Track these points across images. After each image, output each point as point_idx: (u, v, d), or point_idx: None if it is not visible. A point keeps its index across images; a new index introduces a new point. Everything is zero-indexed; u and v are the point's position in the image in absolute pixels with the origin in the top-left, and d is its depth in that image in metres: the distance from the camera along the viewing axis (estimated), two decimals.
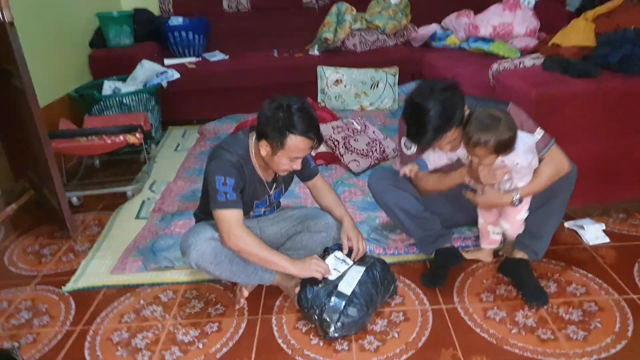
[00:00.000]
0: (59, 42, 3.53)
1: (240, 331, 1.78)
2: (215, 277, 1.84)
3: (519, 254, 1.92)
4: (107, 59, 3.91)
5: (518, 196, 1.75)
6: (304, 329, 1.77)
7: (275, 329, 1.78)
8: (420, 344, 1.66)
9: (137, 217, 2.63)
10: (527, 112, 1.77)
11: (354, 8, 4.01)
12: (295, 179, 2.02)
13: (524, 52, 3.10)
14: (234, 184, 1.71)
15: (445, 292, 1.89)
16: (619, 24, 2.23)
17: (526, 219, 1.88)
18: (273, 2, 4.40)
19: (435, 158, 1.83)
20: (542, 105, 1.98)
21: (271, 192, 1.92)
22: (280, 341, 1.72)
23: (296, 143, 1.65)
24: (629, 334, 1.63)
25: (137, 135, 2.83)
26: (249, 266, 1.81)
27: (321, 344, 1.69)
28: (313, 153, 2.02)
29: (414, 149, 1.93)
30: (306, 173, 1.97)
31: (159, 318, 1.88)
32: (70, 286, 2.09)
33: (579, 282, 1.89)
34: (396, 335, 1.71)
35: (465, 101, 1.67)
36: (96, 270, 2.19)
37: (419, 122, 1.61)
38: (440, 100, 1.58)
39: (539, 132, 1.73)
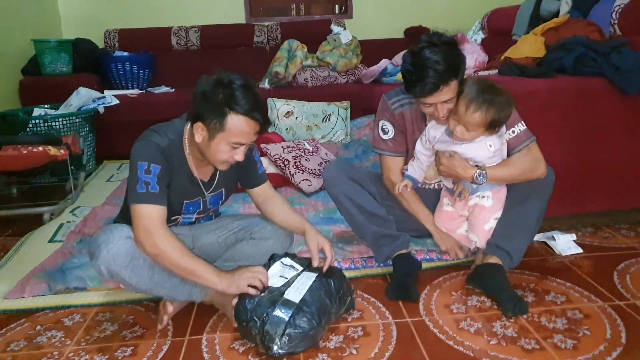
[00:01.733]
0: None
1: (161, 354, 1.42)
2: (132, 288, 1.49)
3: (492, 259, 1.70)
4: (40, 87, 3.62)
5: (484, 173, 1.59)
6: (242, 349, 1.43)
7: (205, 350, 1.43)
8: None
9: (52, 240, 2.24)
10: None
11: (304, 45, 3.98)
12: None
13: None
14: (159, 173, 1.43)
15: (410, 305, 1.62)
16: (566, 38, 2.22)
17: (498, 222, 1.70)
18: (223, 40, 4.30)
19: (422, 154, 1.75)
20: None
21: (207, 194, 1.63)
22: None
23: (238, 124, 1.39)
24: (623, 340, 1.40)
25: (62, 150, 2.50)
26: (174, 276, 1.48)
27: None
28: (265, 167, 1.78)
29: (391, 133, 1.79)
30: (253, 177, 1.70)
31: (56, 344, 1.49)
32: None
33: (558, 290, 1.68)
34: (354, 351, 1.40)
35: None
36: None
37: (421, 68, 1.51)
38: (445, 49, 1.52)
39: (521, 126, 1.66)
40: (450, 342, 1.42)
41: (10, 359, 1.43)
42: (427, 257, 1.89)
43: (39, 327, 1.59)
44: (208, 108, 1.40)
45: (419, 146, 1.75)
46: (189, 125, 1.50)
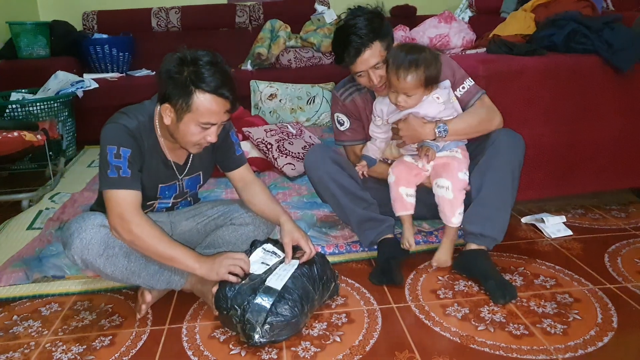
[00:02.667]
0: None
1: (140, 344, 1.38)
2: (109, 277, 1.45)
3: (474, 246, 1.66)
4: (16, 70, 3.50)
5: (444, 125, 1.59)
6: (222, 338, 1.39)
7: (185, 339, 1.39)
8: (368, 348, 1.32)
9: (30, 227, 2.17)
10: None
11: (288, 25, 3.88)
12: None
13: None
14: (130, 156, 1.36)
15: (395, 291, 1.59)
16: (557, 14, 2.17)
17: (472, 206, 1.65)
18: (204, 22, 4.18)
19: (376, 134, 1.77)
20: (491, 81, 1.81)
21: (181, 178, 1.56)
22: (190, 353, 1.33)
23: (205, 103, 1.31)
24: (614, 325, 1.38)
25: (38, 136, 2.41)
26: (152, 263, 1.43)
27: (243, 353, 1.32)
28: (247, 151, 1.71)
29: (347, 123, 1.83)
30: (230, 159, 1.62)
31: (33, 335, 1.44)
32: None
33: (547, 274, 1.65)
34: (338, 339, 1.37)
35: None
36: None
37: (345, 36, 1.58)
38: (366, 17, 1.59)
39: (470, 82, 1.69)
40: (437, 329, 1.39)
41: None
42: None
43: (15, 316, 1.54)
44: (173, 88, 1.32)
45: (372, 126, 1.77)
46: (159, 107, 1.42)
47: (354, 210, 1.74)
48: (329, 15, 3.99)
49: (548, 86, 1.88)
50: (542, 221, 1.95)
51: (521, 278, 1.63)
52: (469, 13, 3.53)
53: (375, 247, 1.77)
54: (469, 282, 1.61)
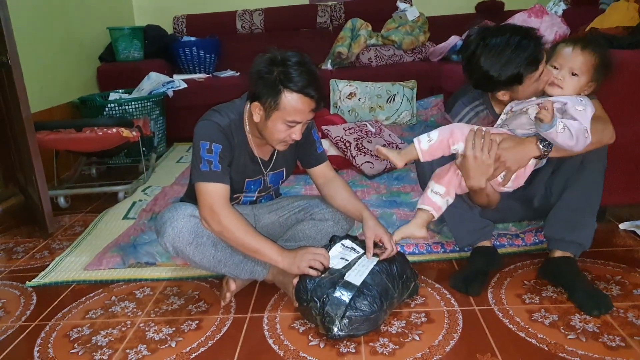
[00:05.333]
0: (66, 52, 3.41)
1: (224, 330, 1.45)
2: (196, 265, 1.52)
3: (558, 253, 1.56)
4: (115, 72, 3.79)
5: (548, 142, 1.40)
6: (302, 329, 1.42)
7: (266, 328, 1.44)
8: (448, 349, 1.29)
9: (125, 217, 2.35)
10: None
11: (369, 24, 3.87)
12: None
13: None
14: (221, 152, 1.44)
15: None
16: None
17: (555, 209, 1.54)
18: (287, 22, 4.30)
19: None
20: None
21: (266, 173, 1.62)
22: (271, 342, 1.37)
23: (292, 102, 1.36)
24: None
25: (133, 132, 2.60)
26: (236, 254, 1.50)
27: (322, 345, 1.34)
28: (326, 149, 1.68)
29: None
30: (311, 156, 1.67)
31: (129, 314, 1.56)
32: (35, 281, 1.81)
33: None
34: (417, 337, 1.35)
35: None
36: (69, 266, 1.91)
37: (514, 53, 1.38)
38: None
39: None
40: (522, 334, 1.33)
41: (88, 325, 1.51)
42: (498, 243, 1.78)
43: (113, 297, 1.67)
44: (263, 87, 1.38)
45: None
46: (248, 105, 1.49)
47: (456, 205, 1.60)
48: (411, 12, 3.94)
49: None
50: None
51: (618, 287, 1.52)
52: (562, 6, 3.32)
53: (469, 248, 1.70)
54: (558, 288, 1.53)
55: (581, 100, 1.41)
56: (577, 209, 1.52)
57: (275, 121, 1.40)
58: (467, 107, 1.62)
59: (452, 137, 1.47)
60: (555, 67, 1.43)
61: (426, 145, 1.47)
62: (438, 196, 1.53)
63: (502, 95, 1.48)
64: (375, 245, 1.49)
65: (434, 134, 1.48)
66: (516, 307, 1.45)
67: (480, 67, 1.41)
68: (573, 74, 1.41)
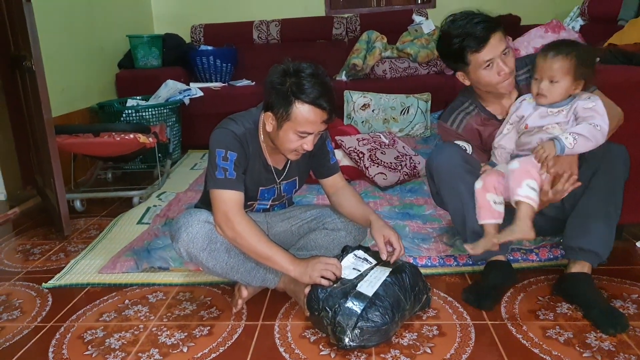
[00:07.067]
0: (87, 58, 3.49)
1: (235, 336, 1.45)
2: (209, 271, 1.54)
3: (576, 267, 1.54)
4: (133, 79, 3.84)
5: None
6: (313, 338, 1.42)
7: (277, 336, 1.44)
8: None
9: (140, 222, 2.38)
10: None
11: (384, 36, 3.90)
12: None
13: None
14: (236, 159, 1.45)
15: None
16: None
17: (571, 218, 1.54)
18: (302, 33, 4.34)
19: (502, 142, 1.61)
20: (606, 94, 1.69)
21: (279, 182, 1.64)
22: (282, 350, 1.37)
23: (304, 113, 1.38)
24: None
25: (150, 139, 2.64)
26: (249, 261, 1.51)
27: (333, 355, 1.34)
28: (339, 159, 1.72)
29: (469, 149, 1.69)
30: (324, 167, 1.68)
31: (142, 318, 1.57)
32: (51, 283, 1.84)
33: None
34: (429, 350, 1.34)
35: None
36: (84, 269, 1.93)
37: (466, 29, 1.51)
38: (480, 14, 1.55)
39: None
40: (536, 350, 1.32)
41: (101, 328, 1.53)
42: (511, 257, 1.77)
43: (127, 301, 1.69)
44: (276, 97, 1.40)
45: (503, 141, 1.59)
46: (263, 115, 1.51)
47: (474, 217, 1.57)
48: (427, 25, 3.96)
49: None
50: None
51: (635, 306, 1.50)
52: (580, 22, 3.32)
53: (482, 262, 1.69)
54: (574, 305, 1.51)
55: (589, 98, 1.45)
56: (590, 215, 1.51)
57: (287, 131, 1.42)
58: (456, 110, 1.71)
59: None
60: (536, 79, 1.47)
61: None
62: (500, 205, 1.54)
63: (461, 77, 1.62)
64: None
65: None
66: (530, 322, 1.44)
67: (440, 37, 1.60)
68: (553, 82, 1.43)
